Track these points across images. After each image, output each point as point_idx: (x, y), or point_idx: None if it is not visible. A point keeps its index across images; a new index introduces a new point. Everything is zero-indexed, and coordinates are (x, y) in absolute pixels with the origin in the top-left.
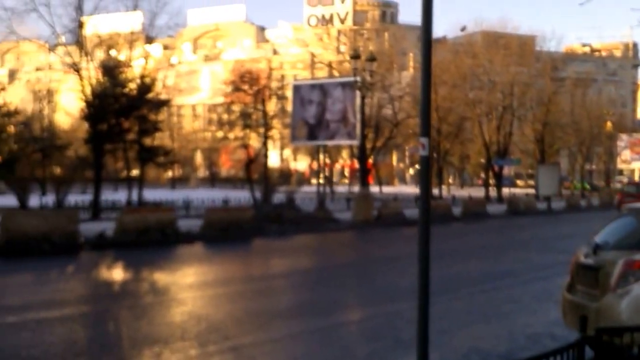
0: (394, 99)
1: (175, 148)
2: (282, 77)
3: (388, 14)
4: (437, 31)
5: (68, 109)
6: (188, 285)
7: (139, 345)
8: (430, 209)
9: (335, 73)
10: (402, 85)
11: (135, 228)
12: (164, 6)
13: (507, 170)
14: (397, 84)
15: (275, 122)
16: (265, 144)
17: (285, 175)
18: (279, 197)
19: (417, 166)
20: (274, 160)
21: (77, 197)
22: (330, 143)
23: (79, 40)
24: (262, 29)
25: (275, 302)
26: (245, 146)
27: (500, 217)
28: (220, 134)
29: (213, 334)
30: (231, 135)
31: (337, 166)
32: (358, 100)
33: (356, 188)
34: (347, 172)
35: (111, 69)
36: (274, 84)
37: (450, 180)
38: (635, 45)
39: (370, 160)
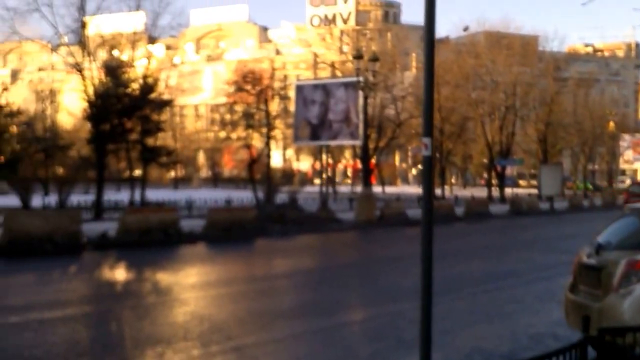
0: (397, 99)
1: (177, 148)
2: (285, 77)
3: (391, 14)
4: (440, 31)
5: (70, 109)
6: (191, 286)
7: (141, 345)
8: (433, 209)
9: (338, 73)
10: (404, 85)
11: (138, 228)
12: (167, 6)
13: (510, 170)
14: (399, 84)
15: (278, 122)
16: (267, 144)
17: (288, 175)
18: (281, 197)
19: (419, 166)
20: (276, 161)
21: (79, 197)
22: (332, 143)
23: (82, 41)
24: (264, 29)
25: (278, 302)
26: (248, 146)
27: (502, 217)
28: (222, 134)
29: (216, 334)
30: (234, 136)
31: (340, 166)
32: (361, 101)
33: (359, 188)
34: (349, 172)
35: (114, 69)
36: (277, 84)
37: (453, 180)
38: (637, 45)
39: (373, 161)
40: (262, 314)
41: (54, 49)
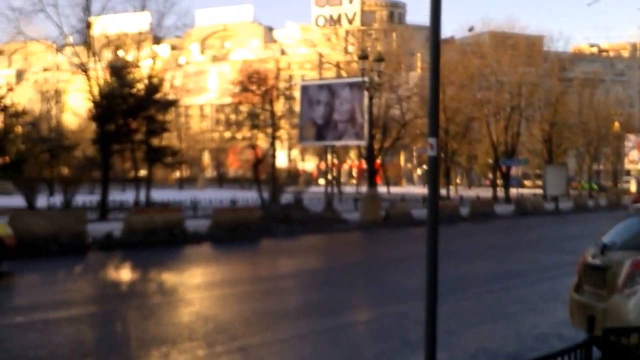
0: (402, 99)
1: (182, 148)
2: (290, 77)
3: (396, 14)
4: (445, 31)
5: (76, 109)
6: (196, 286)
7: (146, 345)
8: (438, 209)
9: (343, 73)
10: (409, 85)
11: (143, 228)
12: (172, 6)
13: (515, 171)
14: (404, 84)
15: (283, 123)
16: (273, 144)
17: (293, 175)
18: (286, 197)
19: (424, 166)
20: (281, 161)
21: (84, 198)
22: (338, 143)
23: (87, 41)
24: (270, 30)
25: (283, 303)
26: (253, 146)
27: (507, 217)
28: (227, 134)
29: (221, 335)
30: (239, 136)
31: (345, 166)
32: (366, 101)
33: (364, 188)
34: (354, 173)
35: (119, 70)
36: (282, 84)
37: (458, 181)
38: None
39: (378, 161)
40: (267, 314)
41: (59, 49)
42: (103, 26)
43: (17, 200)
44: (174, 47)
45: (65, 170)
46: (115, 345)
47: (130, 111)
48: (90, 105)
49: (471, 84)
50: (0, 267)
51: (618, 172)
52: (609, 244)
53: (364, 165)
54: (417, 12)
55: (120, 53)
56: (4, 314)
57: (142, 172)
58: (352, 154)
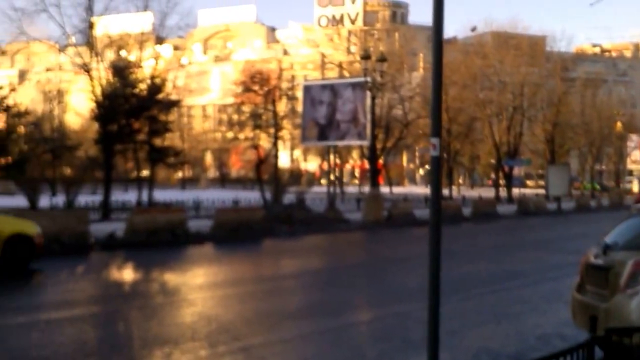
0: (404, 99)
1: (185, 149)
2: (293, 77)
3: (398, 15)
4: (448, 31)
5: (78, 109)
6: (198, 286)
7: (149, 345)
8: (441, 209)
9: (346, 73)
10: (412, 85)
11: (146, 228)
12: (175, 7)
13: (517, 171)
14: (407, 85)
15: (286, 123)
16: (275, 145)
17: (296, 175)
18: (289, 197)
19: (427, 166)
20: (284, 161)
21: (87, 198)
22: (340, 143)
23: (89, 41)
24: (272, 30)
25: (285, 303)
26: (256, 147)
27: (510, 217)
28: (230, 134)
29: (223, 335)
30: (241, 136)
31: (348, 167)
32: (368, 101)
33: (366, 188)
34: (357, 173)
35: (121, 70)
36: (285, 85)
37: (461, 181)
38: None
39: (381, 161)
40: (270, 315)
41: (62, 49)
42: (105, 26)
43: (19, 201)
44: (176, 47)
45: (67, 171)
46: (118, 345)
47: (133, 111)
48: (93, 105)
49: (474, 84)
50: (30, 265)
51: (620, 172)
52: (611, 244)
53: (367, 165)
54: (420, 12)
55: (123, 53)
56: (4, 313)
57: (145, 172)
58: (355, 154)
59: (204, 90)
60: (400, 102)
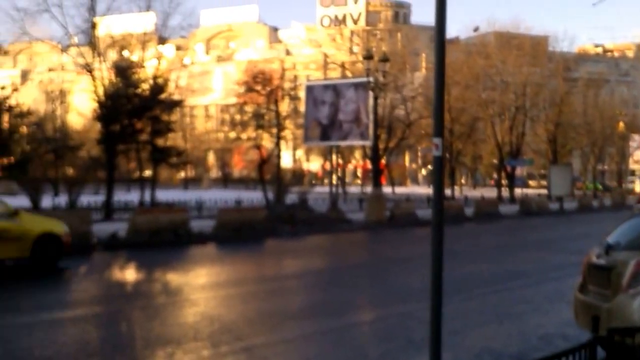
0: (407, 99)
1: (187, 149)
2: (295, 77)
3: (401, 15)
4: (450, 32)
5: (81, 109)
6: (200, 286)
7: (151, 345)
8: (443, 210)
9: (348, 73)
10: (414, 85)
11: (148, 229)
12: (177, 7)
13: (520, 171)
14: (409, 85)
15: (288, 123)
16: (277, 145)
17: (298, 175)
18: (291, 197)
19: (429, 167)
20: (286, 161)
21: (89, 198)
22: (343, 143)
23: (92, 41)
24: (274, 30)
25: (287, 303)
26: (258, 147)
27: (512, 217)
28: (232, 134)
29: (225, 335)
30: (244, 136)
31: (350, 167)
32: (371, 101)
33: (369, 188)
34: (359, 173)
35: (124, 70)
36: (287, 85)
37: (463, 181)
38: None
39: (383, 161)
40: (272, 315)
41: (64, 49)
42: (108, 26)
43: (22, 201)
44: (179, 48)
45: (70, 171)
46: (121, 345)
47: (135, 111)
48: (95, 105)
49: (476, 84)
50: (59, 264)
51: (623, 172)
52: (613, 244)
53: (369, 165)
54: (422, 13)
55: (125, 53)
56: (6, 313)
57: (147, 173)
58: (357, 154)
59: (206, 90)
60: (402, 102)
